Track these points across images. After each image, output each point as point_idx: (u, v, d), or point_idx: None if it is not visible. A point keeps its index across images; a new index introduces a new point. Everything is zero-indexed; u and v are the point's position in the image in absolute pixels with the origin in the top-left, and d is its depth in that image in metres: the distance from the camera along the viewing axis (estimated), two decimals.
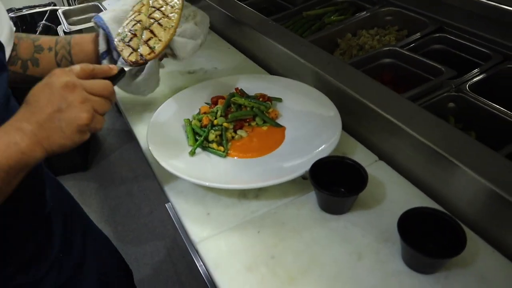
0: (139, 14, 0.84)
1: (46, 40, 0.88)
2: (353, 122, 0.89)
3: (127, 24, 0.84)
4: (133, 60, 0.78)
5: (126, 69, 0.73)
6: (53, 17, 2.05)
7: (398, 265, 0.63)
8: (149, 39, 0.79)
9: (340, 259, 0.64)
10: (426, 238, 0.63)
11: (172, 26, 0.80)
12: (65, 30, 1.27)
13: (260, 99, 0.93)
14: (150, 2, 0.87)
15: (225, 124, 0.86)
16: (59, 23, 1.34)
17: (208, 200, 0.76)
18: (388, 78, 1.09)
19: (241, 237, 0.69)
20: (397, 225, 0.61)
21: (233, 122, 0.88)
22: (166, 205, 0.99)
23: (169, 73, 1.18)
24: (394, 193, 0.75)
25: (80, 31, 1.26)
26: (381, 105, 0.81)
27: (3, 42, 0.75)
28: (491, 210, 0.66)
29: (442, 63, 1.01)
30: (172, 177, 0.80)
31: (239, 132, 0.87)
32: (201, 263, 0.79)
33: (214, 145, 0.84)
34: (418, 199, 0.73)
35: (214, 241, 0.69)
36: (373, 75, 0.96)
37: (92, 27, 1.26)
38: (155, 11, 0.83)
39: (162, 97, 1.04)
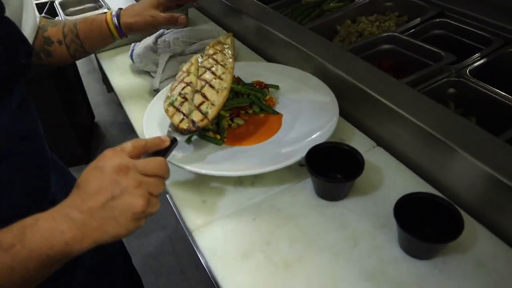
0: (188, 75, 0.81)
1: (53, 31, 0.87)
2: (352, 108, 0.87)
3: (175, 87, 0.80)
4: (185, 127, 0.73)
5: (178, 138, 0.69)
6: (53, 10, 2.04)
7: (395, 251, 0.62)
8: (201, 104, 0.75)
9: (336, 245, 0.64)
10: (423, 223, 0.62)
11: (225, 87, 0.76)
12: None
13: (257, 87, 0.92)
14: (199, 61, 0.85)
15: (221, 112, 0.85)
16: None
17: (204, 188, 0.76)
18: (387, 64, 1.08)
19: (237, 224, 0.69)
20: (394, 211, 0.60)
21: (230, 110, 0.87)
22: (167, 195, 0.99)
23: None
24: (392, 179, 0.74)
25: None
26: (379, 91, 0.80)
27: (27, 35, 0.75)
28: (490, 195, 0.65)
29: (443, 48, 0.99)
30: (168, 165, 0.79)
31: (236, 120, 0.86)
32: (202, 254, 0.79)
33: (210, 133, 0.83)
34: (416, 185, 0.72)
35: (210, 229, 0.69)
36: (372, 61, 0.95)
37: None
38: (205, 71, 0.80)
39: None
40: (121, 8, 0.93)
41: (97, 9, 1.31)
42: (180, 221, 0.92)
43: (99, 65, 1.44)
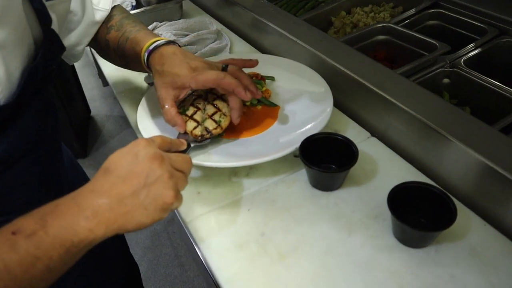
0: (196, 90, 0.83)
1: (112, 37, 0.83)
2: (346, 99, 0.88)
3: (186, 100, 0.81)
4: (199, 134, 0.75)
5: (192, 145, 0.72)
6: None
7: (389, 240, 0.63)
8: (213, 113, 0.77)
9: (330, 235, 0.64)
10: (417, 212, 0.63)
11: None
12: None
13: (253, 78, 0.92)
14: None
15: None
16: None
17: (198, 179, 0.76)
18: (382, 55, 1.08)
19: (231, 215, 0.69)
20: (387, 200, 0.60)
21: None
22: None
23: None
24: (386, 169, 0.74)
25: None
26: (373, 82, 0.80)
27: (78, 35, 0.77)
28: (483, 184, 0.65)
29: (438, 38, 0.99)
30: None
31: None
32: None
33: None
34: (410, 175, 0.73)
35: (204, 220, 0.69)
36: (367, 52, 0.95)
37: None
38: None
39: None
40: (166, 42, 0.78)
41: None
42: (176, 213, 0.93)
43: (94, 59, 1.43)
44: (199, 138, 0.75)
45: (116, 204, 0.46)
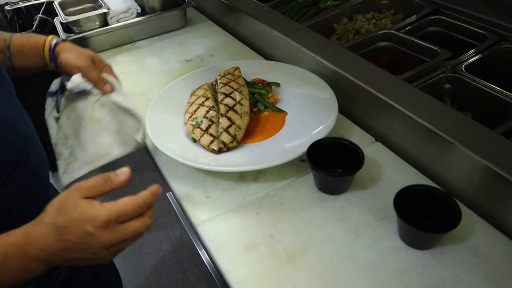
0: (206, 100, 0.85)
1: None
2: (350, 104, 0.89)
3: (196, 110, 0.83)
4: (216, 148, 0.77)
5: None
6: (50, 10, 2.03)
7: (395, 241, 0.64)
8: (228, 126, 0.79)
9: (337, 237, 0.65)
10: (422, 215, 0.64)
11: (246, 112, 0.82)
12: (62, 21, 1.27)
13: (260, 84, 0.93)
14: (217, 87, 0.90)
15: None
16: (56, 15, 1.34)
17: (207, 184, 0.77)
18: (384, 61, 1.10)
19: (240, 218, 0.70)
20: (394, 202, 0.62)
21: None
22: (167, 194, 1.00)
23: (166, 61, 1.19)
24: (390, 173, 0.76)
25: (77, 22, 1.27)
26: (377, 87, 0.82)
27: None
28: (486, 187, 0.67)
29: (439, 45, 1.01)
30: (172, 163, 0.81)
31: None
32: (203, 250, 0.79)
33: None
34: (415, 179, 0.74)
35: (214, 223, 0.70)
36: (369, 58, 0.97)
37: (89, 17, 1.26)
38: (226, 97, 0.84)
39: (160, 85, 1.05)
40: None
41: (96, 9, 1.31)
42: (182, 220, 0.94)
43: None
44: (218, 152, 0.77)
45: (58, 260, 0.53)
